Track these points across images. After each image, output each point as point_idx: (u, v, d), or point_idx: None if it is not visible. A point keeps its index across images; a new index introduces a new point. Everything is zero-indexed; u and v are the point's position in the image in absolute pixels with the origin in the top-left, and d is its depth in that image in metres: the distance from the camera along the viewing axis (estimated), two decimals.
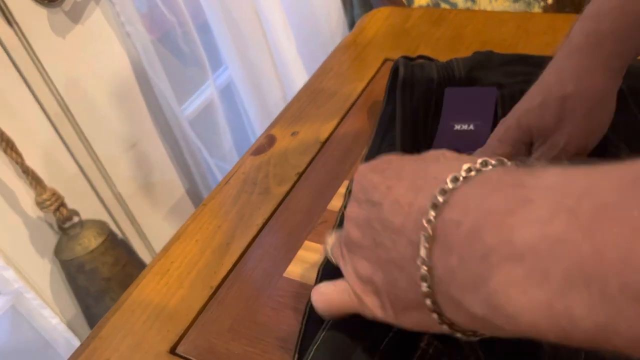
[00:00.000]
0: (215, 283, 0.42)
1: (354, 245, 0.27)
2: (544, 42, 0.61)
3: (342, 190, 0.47)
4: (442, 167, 0.22)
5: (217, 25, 1.02)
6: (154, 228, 1.04)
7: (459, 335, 0.23)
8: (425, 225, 0.20)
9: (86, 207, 0.86)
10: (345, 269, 0.28)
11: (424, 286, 0.21)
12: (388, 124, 0.51)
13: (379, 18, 0.75)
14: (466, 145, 0.43)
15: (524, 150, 0.39)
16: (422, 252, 0.21)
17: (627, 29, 0.35)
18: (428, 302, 0.22)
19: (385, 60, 0.65)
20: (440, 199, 0.20)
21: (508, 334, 0.19)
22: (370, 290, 0.26)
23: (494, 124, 0.44)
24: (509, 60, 0.52)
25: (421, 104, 0.49)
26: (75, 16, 0.80)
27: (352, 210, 0.27)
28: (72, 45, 0.80)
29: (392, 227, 0.23)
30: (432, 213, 0.20)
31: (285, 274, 0.41)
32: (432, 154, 0.25)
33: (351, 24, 1.23)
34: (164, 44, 0.97)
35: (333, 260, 0.31)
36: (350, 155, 0.52)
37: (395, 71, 0.53)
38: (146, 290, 0.44)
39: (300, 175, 0.51)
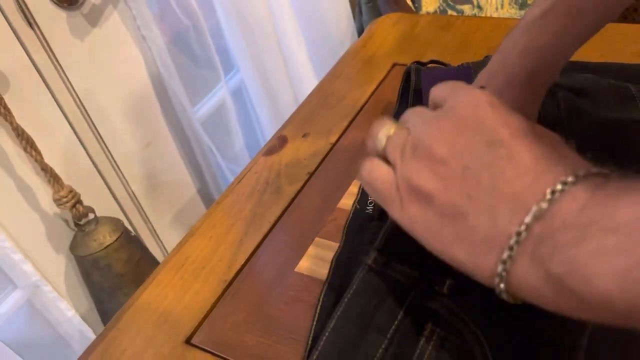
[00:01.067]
0: (228, 277, 0.43)
1: (432, 157, 0.25)
2: None
3: (352, 189, 0.48)
4: (565, 160, 0.23)
5: (230, 29, 1.03)
6: (165, 226, 1.05)
7: (499, 290, 0.23)
8: (548, 196, 0.21)
9: (101, 204, 0.87)
10: (401, 165, 0.26)
11: (513, 239, 0.21)
12: None
13: (388, 24, 0.76)
14: None
15: None
16: (528, 218, 0.21)
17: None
18: (506, 254, 0.22)
19: (394, 64, 0.66)
20: (565, 184, 0.21)
21: (567, 303, 0.20)
22: (422, 202, 0.25)
23: None
24: None
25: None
26: (94, 19, 0.82)
27: (446, 126, 0.25)
28: (90, 47, 0.82)
29: (502, 174, 0.23)
30: (559, 187, 0.21)
31: (296, 269, 0.42)
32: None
33: (360, 30, 1.24)
34: (178, 47, 0.99)
35: (378, 146, 0.29)
36: (359, 156, 0.52)
37: (408, 75, 0.54)
38: (162, 284, 0.45)
39: (311, 174, 0.52)
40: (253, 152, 1.24)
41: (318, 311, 0.36)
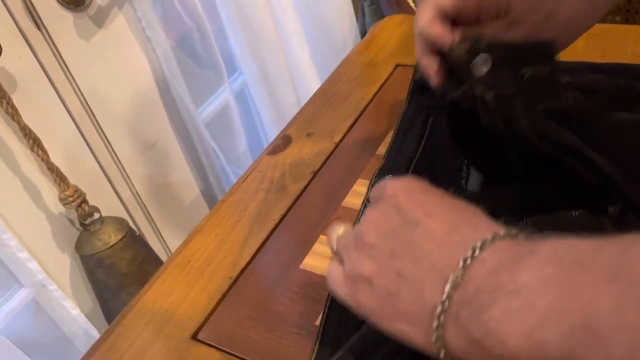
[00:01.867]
0: (234, 274, 0.44)
1: (365, 245, 0.28)
2: None
3: (356, 188, 0.49)
4: (475, 228, 0.25)
5: (233, 31, 1.04)
6: (169, 226, 1.05)
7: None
8: (461, 264, 0.23)
9: (106, 204, 0.88)
10: (346, 258, 0.29)
11: (438, 309, 0.23)
12: (409, 125, 0.53)
13: (391, 25, 0.76)
14: None
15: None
16: (448, 286, 0.23)
17: None
18: (435, 323, 0.23)
19: (397, 65, 0.67)
20: (474, 252, 0.23)
21: None
22: (365, 286, 0.27)
23: None
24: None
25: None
26: (100, 21, 0.82)
27: (374, 217, 0.28)
28: (96, 49, 0.82)
29: (420, 250, 0.25)
30: (469, 254, 0.23)
31: (301, 266, 0.42)
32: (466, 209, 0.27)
33: (363, 33, 1.24)
34: (183, 49, 0.99)
35: (333, 247, 0.31)
36: (363, 155, 0.53)
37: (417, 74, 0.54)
38: (168, 280, 0.45)
39: (315, 173, 0.52)
40: (256, 153, 1.25)
41: (329, 304, 0.37)
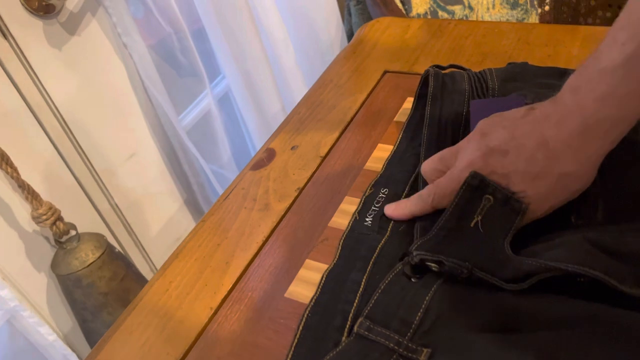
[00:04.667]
0: (215, 304, 0.41)
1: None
2: (545, 54, 0.60)
3: (343, 206, 0.47)
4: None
5: (214, 33, 1.01)
6: (152, 240, 1.03)
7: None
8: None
9: (83, 219, 0.85)
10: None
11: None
12: (414, 131, 0.51)
13: (378, 29, 0.74)
14: None
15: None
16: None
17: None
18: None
19: (385, 72, 0.65)
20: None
21: None
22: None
23: None
24: (545, 72, 0.51)
25: (451, 119, 0.48)
26: (72, 27, 0.79)
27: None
28: (69, 57, 0.80)
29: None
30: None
31: (286, 295, 0.40)
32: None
33: (349, 33, 1.23)
34: (160, 54, 0.97)
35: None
36: (351, 170, 0.51)
37: (425, 79, 0.52)
38: (144, 311, 0.43)
39: (301, 190, 0.50)
40: (242, 161, 1.23)
41: (300, 330, 0.35)
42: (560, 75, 0.50)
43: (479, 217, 0.36)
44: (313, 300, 0.38)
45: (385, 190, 0.46)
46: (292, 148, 0.56)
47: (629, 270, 0.30)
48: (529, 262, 0.32)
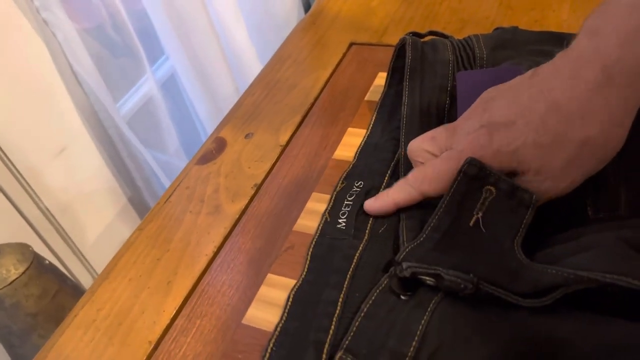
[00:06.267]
0: (154, 337, 0.34)
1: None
2: (532, 19, 0.55)
3: (310, 205, 0.40)
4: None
5: (154, 8, 0.91)
6: (92, 245, 0.93)
7: None
8: None
9: (4, 229, 0.75)
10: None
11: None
12: (390, 111, 0.44)
13: None
14: None
15: None
16: None
17: None
18: None
19: (351, 44, 0.58)
20: None
21: None
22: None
23: None
24: (539, 38, 0.45)
25: (434, 96, 0.41)
26: None
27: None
28: None
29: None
30: None
31: (244, 321, 0.33)
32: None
33: (306, 4, 1.15)
34: (92, 33, 0.87)
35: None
36: (318, 160, 0.44)
37: (401, 49, 0.45)
38: (66, 350, 0.35)
39: (258, 187, 0.43)
40: (192, 152, 1.14)
41: None
42: (557, 40, 0.44)
43: (480, 214, 0.30)
44: (278, 328, 0.31)
45: (360, 183, 0.39)
46: (247, 136, 0.49)
47: None
48: (552, 271, 0.26)
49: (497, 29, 0.47)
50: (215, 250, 0.39)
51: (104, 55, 0.90)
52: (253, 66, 1.04)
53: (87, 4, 0.86)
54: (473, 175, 0.31)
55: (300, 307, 0.32)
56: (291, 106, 0.51)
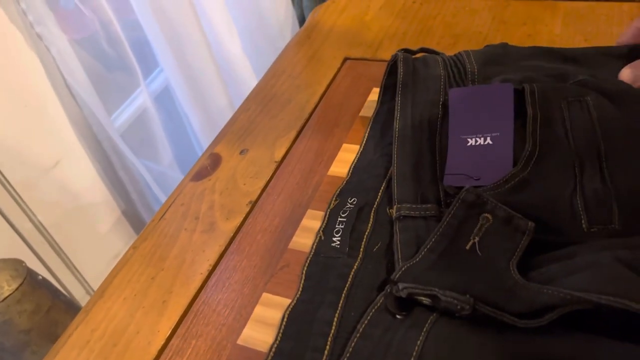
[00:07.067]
0: (149, 358, 0.34)
1: None
2: (524, 34, 0.55)
3: (306, 222, 0.40)
4: None
5: (147, 19, 0.92)
6: (87, 259, 0.93)
7: None
8: None
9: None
10: None
11: None
12: (383, 127, 0.44)
13: (334, 10, 0.68)
14: (487, 165, 0.36)
15: None
16: None
17: None
18: None
19: (346, 59, 0.58)
20: None
21: None
22: None
23: (518, 131, 0.37)
24: (529, 53, 0.45)
25: (426, 110, 0.42)
26: None
27: None
28: None
29: None
30: None
31: (239, 341, 0.33)
32: None
33: (301, 18, 1.15)
34: (85, 47, 0.87)
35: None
36: (312, 176, 0.44)
37: (393, 66, 0.45)
38: None
39: (253, 204, 0.43)
40: (186, 165, 1.14)
41: None
42: (547, 55, 0.45)
43: (476, 239, 0.31)
44: (273, 349, 0.31)
45: (354, 200, 0.39)
46: (241, 152, 0.49)
47: None
48: (548, 291, 0.26)
49: (487, 46, 0.48)
50: (210, 268, 0.39)
51: (97, 68, 0.90)
52: (247, 79, 1.04)
53: (81, 16, 0.87)
54: (471, 203, 0.31)
55: (295, 326, 0.32)
56: (286, 121, 0.51)
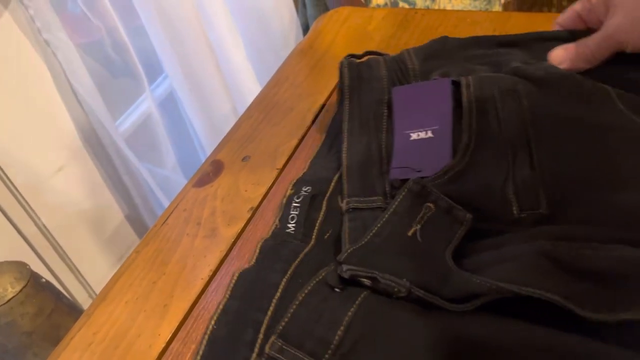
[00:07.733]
0: None
1: None
2: None
3: None
4: None
5: (152, 27, 0.93)
6: (90, 263, 0.94)
7: None
8: None
9: (4, 246, 0.76)
10: None
11: None
12: (339, 127, 0.46)
13: (337, 20, 0.69)
14: (429, 157, 0.38)
15: None
16: None
17: None
18: None
19: None
20: None
21: None
22: None
23: (456, 122, 0.39)
24: (469, 43, 0.48)
25: (372, 108, 0.44)
26: None
27: None
28: None
29: None
30: None
31: None
32: None
33: (305, 26, 1.17)
34: (91, 53, 0.88)
35: None
36: None
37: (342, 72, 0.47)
38: None
39: (255, 211, 0.44)
40: (190, 170, 1.15)
41: (203, 347, 0.31)
42: (486, 43, 0.47)
43: (418, 226, 0.33)
44: (220, 307, 0.33)
45: (308, 189, 0.41)
46: (244, 159, 0.50)
47: (589, 290, 0.27)
48: (476, 280, 0.28)
49: (429, 41, 0.49)
50: (211, 273, 0.39)
51: (103, 74, 0.91)
52: (250, 86, 1.05)
53: (87, 22, 0.88)
54: (417, 193, 0.34)
55: (243, 287, 0.34)
56: (288, 129, 0.52)
